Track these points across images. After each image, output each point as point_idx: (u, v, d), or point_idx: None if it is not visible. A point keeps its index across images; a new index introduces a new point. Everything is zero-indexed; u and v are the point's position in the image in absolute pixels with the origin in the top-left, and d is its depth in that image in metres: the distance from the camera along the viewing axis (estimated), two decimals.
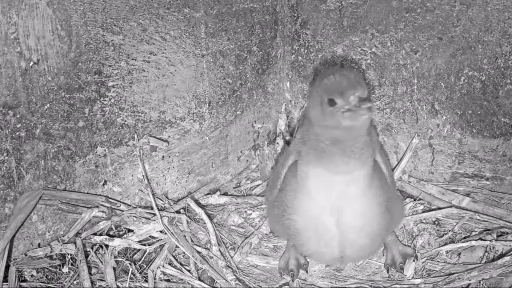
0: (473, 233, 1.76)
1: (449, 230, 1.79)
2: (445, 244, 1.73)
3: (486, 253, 1.67)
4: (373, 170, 1.49)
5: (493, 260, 1.63)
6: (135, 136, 1.72)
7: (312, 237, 1.52)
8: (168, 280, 1.58)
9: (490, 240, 1.69)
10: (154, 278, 1.56)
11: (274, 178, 1.64)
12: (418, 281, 1.59)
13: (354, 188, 1.46)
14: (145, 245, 1.67)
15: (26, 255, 1.55)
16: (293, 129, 2.22)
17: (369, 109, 1.33)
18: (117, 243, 1.64)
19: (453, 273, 1.59)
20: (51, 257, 1.58)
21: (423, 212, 1.87)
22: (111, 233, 1.69)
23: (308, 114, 1.48)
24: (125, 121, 1.68)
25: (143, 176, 1.76)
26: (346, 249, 1.51)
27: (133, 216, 1.72)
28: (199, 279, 1.59)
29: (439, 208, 1.88)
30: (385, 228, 1.56)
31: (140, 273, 1.59)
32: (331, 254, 1.53)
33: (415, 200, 1.92)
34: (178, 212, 1.79)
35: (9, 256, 1.49)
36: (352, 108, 1.34)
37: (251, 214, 1.91)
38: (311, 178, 1.48)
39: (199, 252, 1.66)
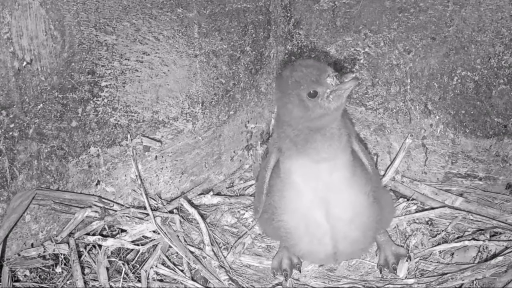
0: (466, 233, 1.77)
1: (442, 230, 1.79)
2: (438, 244, 1.73)
3: (479, 253, 1.68)
4: (353, 158, 1.51)
5: (486, 260, 1.64)
6: (128, 136, 1.72)
7: (304, 236, 1.52)
8: (161, 280, 1.58)
9: (483, 240, 1.69)
10: (147, 278, 1.56)
11: (259, 184, 1.63)
12: (411, 281, 1.60)
13: (337, 176, 1.47)
14: (138, 245, 1.67)
15: (19, 255, 1.55)
16: None
17: (355, 78, 1.35)
18: (110, 243, 1.64)
19: (446, 273, 1.60)
20: (44, 257, 1.58)
21: (416, 212, 1.88)
22: (104, 233, 1.69)
23: (285, 117, 1.48)
24: (118, 121, 1.68)
25: (136, 176, 1.76)
26: (339, 243, 1.51)
27: (126, 216, 1.72)
28: (192, 279, 1.59)
29: (432, 208, 1.88)
30: (375, 221, 1.56)
31: (133, 273, 1.59)
32: (325, 251, 1.53)
33: (408, 200, 1.93)
34: (171, 212, 1.79)
35: (2, 256, 1.49)
36: (334, 89, 1.36)
37: (244, 214, 1.91)
38: (295, 171, 1.49)
39: (192, 252, 1.66)
